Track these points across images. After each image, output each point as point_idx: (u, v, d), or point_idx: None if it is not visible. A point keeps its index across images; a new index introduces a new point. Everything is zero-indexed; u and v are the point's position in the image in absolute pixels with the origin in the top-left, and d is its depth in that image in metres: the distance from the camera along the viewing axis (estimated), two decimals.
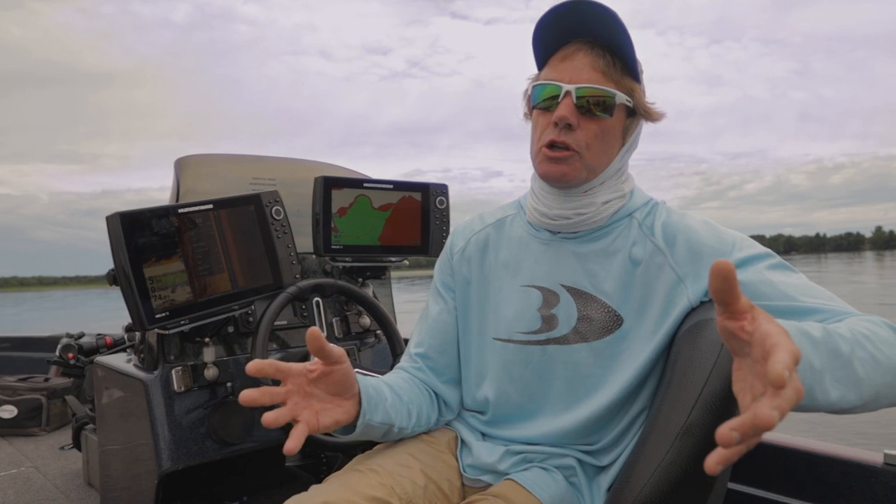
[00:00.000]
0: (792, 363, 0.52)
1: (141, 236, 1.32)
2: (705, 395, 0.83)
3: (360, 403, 0.94)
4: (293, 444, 0.74)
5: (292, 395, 0.81)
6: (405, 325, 1.93)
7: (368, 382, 0.98)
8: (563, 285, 1.04)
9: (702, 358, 0.86)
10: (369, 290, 1.95)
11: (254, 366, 0.75)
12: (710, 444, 0.83)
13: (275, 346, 1.76)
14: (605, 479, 1.02)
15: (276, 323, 1.58)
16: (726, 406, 0.82)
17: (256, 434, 1.62)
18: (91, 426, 2.28)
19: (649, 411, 1.00)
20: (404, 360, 1.19)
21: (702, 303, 0.96)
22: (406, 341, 1.46)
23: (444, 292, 1.17)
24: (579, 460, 1.03)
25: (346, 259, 1.83)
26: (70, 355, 2.65)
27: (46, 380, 3.30)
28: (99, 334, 2.73)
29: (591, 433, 1.02)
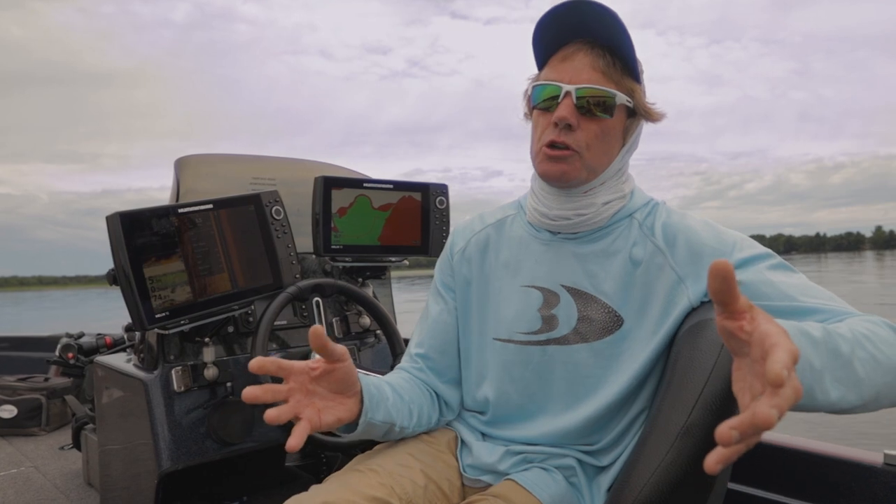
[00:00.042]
0: (790, 362, 0.52)
1: (141, 236, 1.32)
2: (705, 395, 0.83)
3: (361, 402, 0.94)
4: (295, 441, 0.74)
5: (294, 392, 0.81)
6: (405, 325, 1.93)
7: (370, 381, 0.98)
8: (563, 286, 1.04)
9: (702, 358, 0.86)
10: (369, 290, 1.95)
11: (256, 363, 0.75)
12: (710, 445, 0.83)
13: (275, 345, 1.76)
14: (605, 480, 1.02)
15: (275, 323, 1.58)
16: (726, 406, 0.82)
17: (256, 434, 1.62)
18: (91, 426, 2.28)
19: (649, 411, 1.00)
20: (405, 361, 1.19)
21: (702, 303, 0.96)
22: (406, 341, 1.46)
23: (445, 292, 1.17)
24: (579, 460, 1.03)
25: (346, 259, 1.83)
26: (70, 355, 2.65)
27: (46, 379, 3.30)
28: (99, 334, 2.73)
29: (591, 433, 1.02)
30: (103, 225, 1.32)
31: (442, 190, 1.90)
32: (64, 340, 2.69)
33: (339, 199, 1.77)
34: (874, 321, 0.84)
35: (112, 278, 1.38)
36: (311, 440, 1.46)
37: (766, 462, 1.22)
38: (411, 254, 1.92)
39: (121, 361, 1.70)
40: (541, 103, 1.00)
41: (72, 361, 2.65)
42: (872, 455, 1.11)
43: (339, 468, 1.09)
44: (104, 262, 1.42)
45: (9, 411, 3.09)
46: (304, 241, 1.77)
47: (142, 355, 1.62)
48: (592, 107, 0.96)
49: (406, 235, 1.87)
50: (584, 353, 1.01)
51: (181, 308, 1.38)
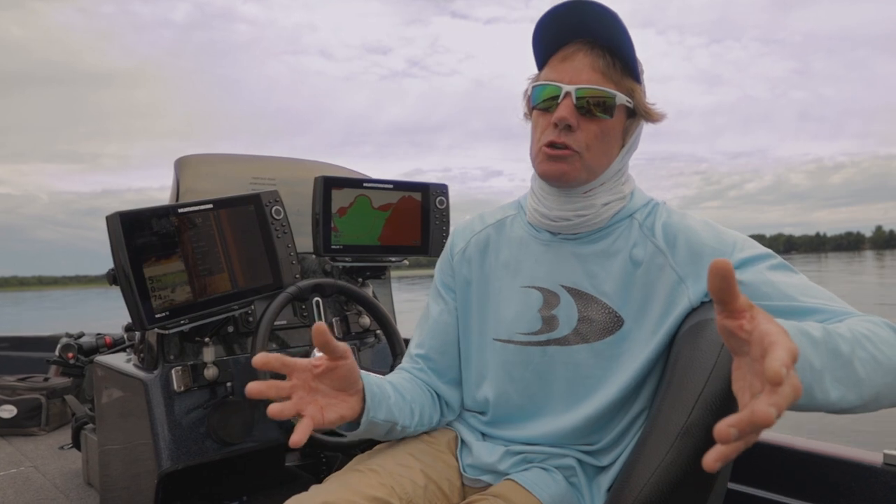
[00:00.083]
0: (790, 361, 0.52)
1: (141, 236, 1.32)
2: (705, 395, 0.83)
3: (364, 400, 0.94)
4: (299, 437, 0.75)
5: (297, 389, 0.82)
6: (405, 325, 1.93)
7: (372, 380, 0.98)
8: (563, 286, 1.04)
9: (702, 358, 0.86)
10: (369, 290, 1.95)
11: (260, 359, 0.76)
12: (710, 444, 0.83)
13: (275, 345, 1.76)
14: (605, 479, 1.02)
15: (275, 323, 1.58)
16: (726, 406, 0.82)
17: (256, 434, 1.62)
18: (91, 426, 2.28)
19: (649, 411, 1.00)
20: (405, 361, 1.19)
21: (702, 303, 0.96)
22: (406, 341, 1.46)
23: (445, 293, 1.17)
24: (579, 460, 1.03)
25: (346, 259, 1.83)
26: (70, 355, 2.65)
27: (46, 379, 3.30)
28: (98, 334, 2.73)
29: (591, 433, 1.02)
30: (103, 225, 1.32)
31: (442, 190, 1.90)
32: (64, 340, 2.69)
33: (339, 199, 1.77)
34: (874, 321, 0.84)
35: (112, 278, 1.38)
36: (311, 440, 1.46)
37: (766, 462, 1.22)
38: (411, 254, 1.92)
39: (121, 361, 1.70)
40: (540, 104, 1.00)
41: (72, 361, 2.65)
42: (872, 455, 1.11)
43: (339, 468, 1.09)
44: (104, 262, 1.42)
45: (8, 411, 3.09)
46: (304, 241, 1.77)
47: (142, 355, 1.62)
48: (592, 107, 0.96)
49: (406, 235, 1.87)
50: (584, 353, 1.01)
51: (181, 308, 1.38)
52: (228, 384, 1.60)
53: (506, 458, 1.05)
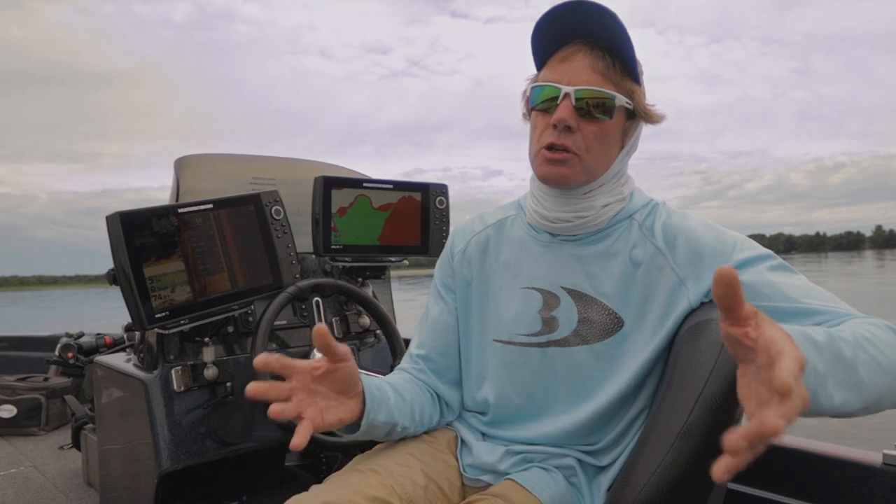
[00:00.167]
0: (797, 370, 0.52)
1: (141, 236, 1.32)
2: (705, 395, 0.83)
3: (363, 402, 0.94)
4: (300, 439, 0.74)
5: (297, 391, 0.82)
6: (404, 325, 1.93)
7: (372, 382, 0.98)
8: (563, 287, 1.04)
9: (702, 358, 0.86)
10: (369, 290, 1.95)
11: (261, 360, 0.76)
12: (710, 445, 0.83)
13: (274, 345, 1.76)
14: (605, 479, 1.02)
15: (275, 323, 1.58)
16: (726, 406, 0.82)
17: (256, 434, 1.62)
18: (90, 426, 2.28)
19: (649, 411, 1.00)
20: (405, 361, 1.19)
21: (702, 304, 0.96)
22: (406, 341, 1.46)
23: (445, 293, 1.17)
24: (579, 460, 1.03)
25: (346, 259, 1.83)
26: (69, 355, 2.65)
27: (46, 379, 3.30)
28: (98, 334, 2.73)
29: (591, 433, 1.02)
30: (103, 225, 1.32)
31: (442, 190, 1.91)
32: (63, 340, 2.69)
33: (339, 198, 1.77)
34: (875, 323, 0.84)
35: (112, 278, 1.38)
36: (311, 439, 1.46)
37: (766, 462, 1.23)
38: (411, 254, 1.92)
39: (120, 361, 1.70)
40: (539, 104, 0.99)
41: (71, 361, 2.65)
42: (872, 455, 1.11)
43: (339, 468, 1.09)
44: (104, 262, 1.42)
45: (8, 411, 3.09)
46: (304, 241, 1.77)
47: (142, 355, 1.62)
48: (592, 108, 0.96)
49: (406, 235, 1.87)
50: (584, 354, 1.01)
51: (181, 308, 1.38)
52: (228, 384, 1.60)
53: (506, 457, 1.05)
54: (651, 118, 1.02)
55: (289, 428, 1.61)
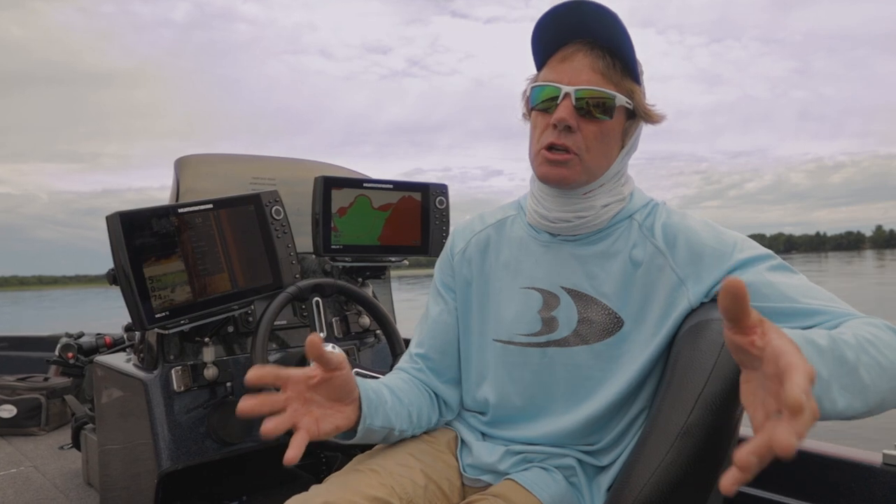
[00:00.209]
0: (808, 386, 0.51)
1: (141, 236, 1.32)
2: (705, 395, 0.83)
3: (360, 408, 0.93)
4: (294, 453, 0.73)
5: (292, 401, 0.80)
6: (404, 325, 1.93)
7: (369, 386, 0.98)
8: (563, 287, 1.04)
9: (702, 358, 0.86)
10: (369, 290, 1.95)
11: (253, 374, 0.73)
12: (710, 445, 0.83)
13: (274, 345, 1.76)
14: (605, 479, 1.02)
15: (275, 323, 1.58)
16: (726, 406, 0.82)
17: (256, 434, 1.62)
18: (90, 426, 2.28)
19: (649, 411, 1.00)
20: (404, 361, 1.19)
21: (702, 303, 0.96)
22: (406, 341, 1.46)
23: (445, 293, 1.17)
24: (579, 460, 1.03)
25: (346, 259, 1.83)
26: (69, 355, 2.65)
27: (46, 379, 3.30)
28: (98, 334, 2.73)
29: (591, 433, 1.02)
30: (103, 224, 1.32)
31: (442, 190, 1.91)
32: (63, 340, 2.69)
33: (339, 198, 1.77)
34: (876, 324, 0.84)
35: (112, 278, 1.38)
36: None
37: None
38: (411, 254, 1.92)
39: (120, 361, 1.70)
40: (540, 104, 0.99)
41: (71, 361, 2.65)
42: (872, 455, 1.11)
43: (339, 468, 1.09)
44: (104, 262, 1.42)
45: (8, 411, 3.09)
46: (304, 241, 1.77)
47: (142, 355, 1.62)
48: (592, 108, 0.96)
49: (406, 235, 1.87)
50: (584, 354, 1.01)
51: (181, 308, 1.38)
52: (228, 384, 1.61)
53: (506, 457, 1.05)
54: (651, 118, 1.02)
55: (288, 430, 1.61)
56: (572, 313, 1.03)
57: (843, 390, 0.74)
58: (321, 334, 1.83)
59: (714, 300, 0.95)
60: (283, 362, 1.65)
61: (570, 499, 1.00)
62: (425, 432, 1.13)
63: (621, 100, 0.97)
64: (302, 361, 1.64)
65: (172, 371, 1.54)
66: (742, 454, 0.50)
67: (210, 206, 1.45)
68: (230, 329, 1.67)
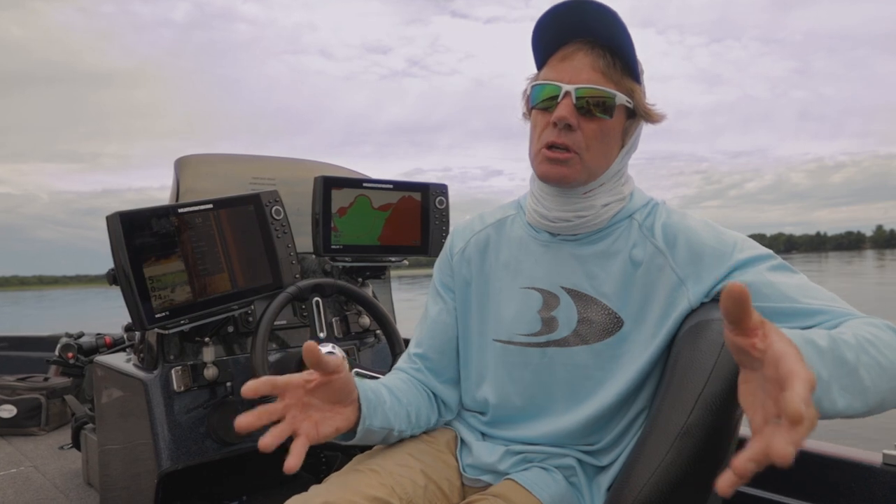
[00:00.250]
0: (809, 394, 0.51)
1: (141, 236, 1.32)
2: (705, 395, 0.83)
3: (359, 409, 0.93)
4: (294, 461, 0.72)
5: (290, 408, 0.79)
6: (404, 325, 1.93)
7: (367, 387, 0.98)
8: (563, 287, 1.04)
9: (702, 358, 0.86)
10: (369, 290, 1.95)
11: (250, 388, 0.72)
12: (710, 445, 0.83)
13: (274, 345, 1.76)
14: (605, 479, 1.02)
15: (275, 322, 1.58)
16: (726, 406, 0.82)
17: (256, 434, 1.61)
18: (90, 426, 2.28)
19: (649, 411, 1.00)
20: (403, 361, 1.19)
21: (702, 304, 0.95)
22: (406, 341, 1.46)
23: (444, 293, 1.17)
24: (579, 460, 1.03)
25: (346, 259, 1.83)
26: (69, 355, 2.65)
27: (46, 379, 3.30)
28: (98, 334, 2.73)
29: (591, 433, 1.02)
30: (103, 224, 1.32)
31: (442, 190, 1.91)
32: (63, 340, 2.69)
33: (339, 199, 1.77)
34: (876, 324, 0.84)
35: (112, 278, 1.38)
36: None
37: None
38: (411, 254, 1.92)
39: (120, 361, 1.70)
40: (540, 103, 0.99)
41: (71, 361, 2.65)
42: (871, 455, 1.11)
43: (339, 468, 1.09)
44: (104, 262, 1.42)
45: (8, 411, 3.09)
46: (304, 241, 1.77)
47: (142, 355, 1.62)
48: (592, 107, 0.96)
49: (406, 235, 1.87)
50: (584, 354, 1.01)
51: (181, 308, 1.38)
52: (228, 384, 1.61)
53: (506, 457, 1.05)
54: (651, 117, 1.02)
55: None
56: (572, 313, 1.03)
57: (843, 391, 0.74)
58: (321, 334, 1.83)
59: (714, 300, 0.95)
60: (283, 362, 1.65)
61: (569, 499, 1.00)
62: (425, 432, 1.13)
63: (621, 99, 0.97)
64: (301, 362, 1.64)
65: (172, 371, 1.54)
66: (739, 461, 0.50)
67: (210, 206, 1.45)
68: (230, 329, 1.67)
